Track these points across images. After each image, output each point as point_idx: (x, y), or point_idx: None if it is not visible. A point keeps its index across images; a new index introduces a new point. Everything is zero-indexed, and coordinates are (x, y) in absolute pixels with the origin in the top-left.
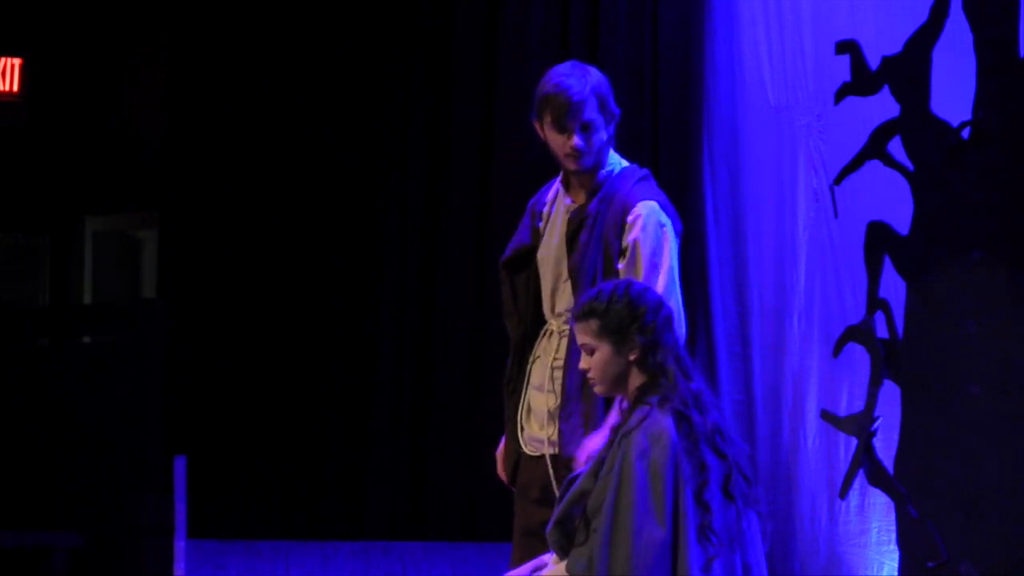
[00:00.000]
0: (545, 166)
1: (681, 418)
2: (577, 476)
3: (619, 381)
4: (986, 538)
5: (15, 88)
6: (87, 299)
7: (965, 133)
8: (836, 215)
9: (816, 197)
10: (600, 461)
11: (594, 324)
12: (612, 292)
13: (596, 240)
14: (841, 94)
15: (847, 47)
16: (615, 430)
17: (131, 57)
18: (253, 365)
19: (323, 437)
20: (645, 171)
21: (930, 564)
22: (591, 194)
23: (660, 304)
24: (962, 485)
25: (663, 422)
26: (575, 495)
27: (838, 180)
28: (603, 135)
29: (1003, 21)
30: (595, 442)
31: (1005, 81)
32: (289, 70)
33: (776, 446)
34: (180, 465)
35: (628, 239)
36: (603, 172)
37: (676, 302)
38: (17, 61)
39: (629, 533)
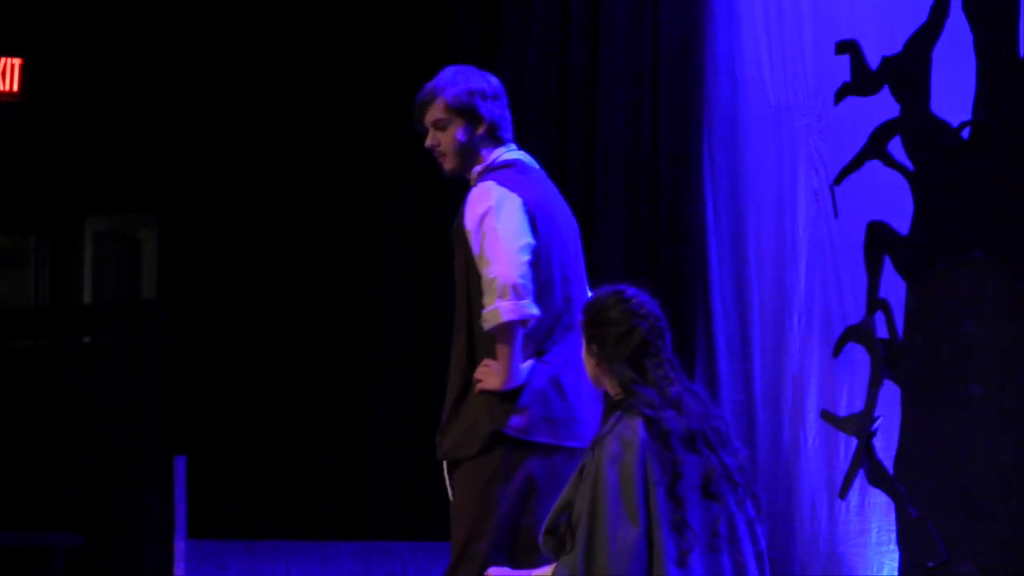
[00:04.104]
0: (544, 166)
1: (650, 420)
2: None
3: (598, 380)
4: (986, 538)
5: (15, 88)
6: (87, 299)
7: (965, 133)
8: (836, 215)
9: (816, 197)
10: (582, 469)
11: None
12: (599, 294)
13: (455, 236)
14: (841, 94)
15: (847, 47)
16: (595, 438)
17: (131, 57)
18: (253, 365)
19: (323, 437)
20: (507, 160)
21: (930, 564)
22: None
23: (621, 321)
24: (962, 485)
25: (634, 425)
26: (561, 503)
27: (838, 180)
28: (460, 136)
29: (1003, 21)
30: None
31: (1005, 81)
32: (289, 71)
33: (776, 446)
34: (180, 465)
35: (462, 225)
36: (479, 168)
37: (507, 265)
38: (17, 61)
39: (605, 538)
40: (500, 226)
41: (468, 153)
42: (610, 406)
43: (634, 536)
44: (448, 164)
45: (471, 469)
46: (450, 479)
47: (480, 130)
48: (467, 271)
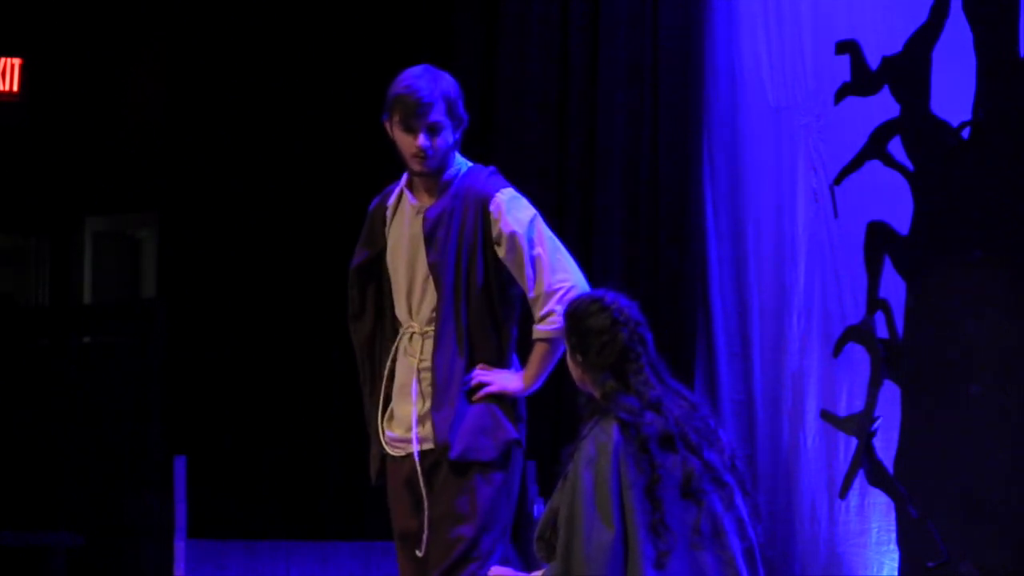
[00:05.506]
0: (544, 166)
1: (625, 424)
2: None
3: (584, 384)
4: (986, 538)
5: (15, 88)
6: (87, 299)
7: (965, 133)
8: (836, 215)
9: (816, 197)
10: (565, 475)
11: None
12: (579, 302)
13: (455, 235)
14: (841, 94)
15: (847, 47)
16: (575, 443)
17: (131, 57)
18: (253, 365)
19: (323, 437)
20: (492, 168)
21: (930, 564)
22: (440, 192)
23: (604, 330)
24: (962, 485)
25: (608, 429)
26: (550, 511)
27: (838, 180)
28: (449, 138)
29: (1003, 21)
30: None
31: (1005, 81)
32: (289, 71)
33: (776, 446)
34: (180, 465)
35: (502, 229)
36: (449, 172)
37: (579, 276)
38: (17, 61)
39: (580, 540)
40: (552, 235)
41: (448, 157)
42: (589, 411)
43: (608, 539)
44: (430, 165)
45: (486, 476)
46: (433, 473)
47: (459, 134)
48: (468, 269)
